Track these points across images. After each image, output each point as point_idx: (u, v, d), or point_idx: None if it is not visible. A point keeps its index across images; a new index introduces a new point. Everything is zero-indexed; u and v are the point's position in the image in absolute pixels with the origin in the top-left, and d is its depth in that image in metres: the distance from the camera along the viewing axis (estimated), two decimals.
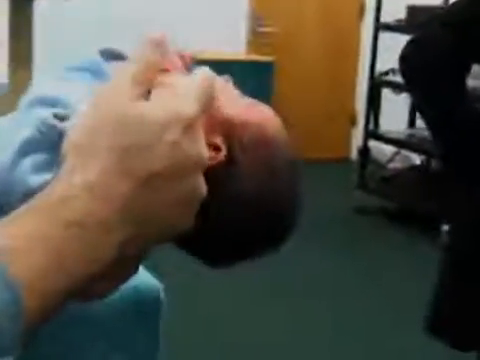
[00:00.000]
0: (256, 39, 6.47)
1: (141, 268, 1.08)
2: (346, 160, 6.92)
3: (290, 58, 6.57)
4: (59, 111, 0.67)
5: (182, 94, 0.58)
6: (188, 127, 0.55)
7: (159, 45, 0.60)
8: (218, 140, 0.68)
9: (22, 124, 0.67)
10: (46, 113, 0.66)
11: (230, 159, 0.69)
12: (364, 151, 5.56)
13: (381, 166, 5.84)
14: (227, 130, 0.70)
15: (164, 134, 0.54)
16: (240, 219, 0.70)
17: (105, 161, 0.54)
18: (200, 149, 0.57)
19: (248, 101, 0.75)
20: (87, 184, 0.53)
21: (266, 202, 0.71)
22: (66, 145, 0.56)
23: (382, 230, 5.02)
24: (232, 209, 0.69)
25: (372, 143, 5.63)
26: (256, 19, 6.43)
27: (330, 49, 6.82)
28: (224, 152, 0.68)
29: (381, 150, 6.04)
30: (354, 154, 6.80)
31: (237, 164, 0.69)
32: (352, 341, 3.39)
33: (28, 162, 0.65)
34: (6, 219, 0.52)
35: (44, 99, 0.70)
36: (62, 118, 0.67)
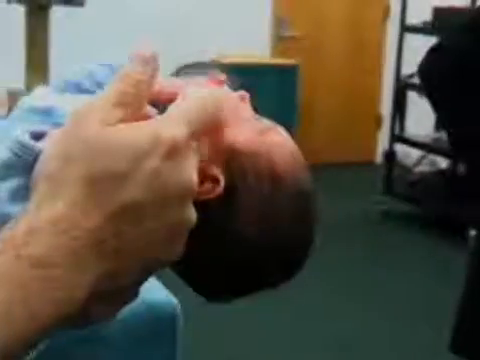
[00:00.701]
0: (280, 43, 6.44)
1: (156, 283, 1.06)
2: (372, 164, 6.86)
3: (315, 61, 6.53)
4: (36, 128, 0.63)
5: (169, 116, 0.52)
6: (171, 152, 0.50)
7: (149, 62, 0.54)
8: (217, 171, 0.63)
9: (8, 132, 0.63)
10: (21, 131, 0.62)
11: (230, 191, 0.63)
12: (390, 155, 5.51)
13: (407, 170, 5.78)
14: (230, 159, 0.64)
15: (142, 161, 0.49)
16: (237, 255, 0.65)
17: (73, 192, 0.49)
18: (187, 176, 0.51)
19: (261, 125, 0.68)
20: (53, 218, 0.48)
21: (267, 240, 0.65)
22: (37, 172, 0.52)
23: (408, 235, 4.96)
24: (229, 244, 0.64)
25: (398, 147, 5.58)
26: (280, 23, 6.41)
27: (355, 52, 6.77)
28: (222, 184, 0.63)
29: (407, 154, 5.97)
30: (380, 158, 6.75)
31: (238, 197, 0.64)
32: (380, 346, 3.34)
33: (4, 188, 0.61)
34: None
35: (36, 108, 0.66)
36: (39, 136, 0.62)
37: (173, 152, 0.50)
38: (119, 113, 0.51)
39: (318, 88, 6.61)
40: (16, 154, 0.61)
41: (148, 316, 1.02)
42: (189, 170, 0.51)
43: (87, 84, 0.74)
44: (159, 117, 0.52)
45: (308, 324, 3.56)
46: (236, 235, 0.64)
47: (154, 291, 1.05)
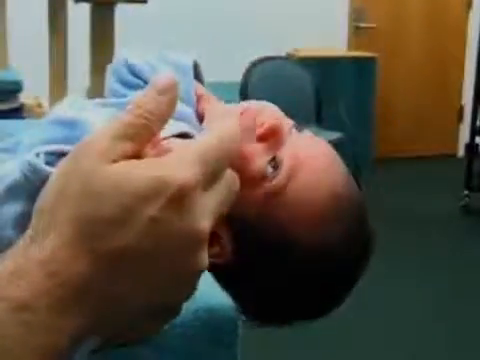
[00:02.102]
0: (358, 34, 6.34)
1: (215, 286, 1.04)
2: (453, 157, 6.71)
3: (393, 53, 6.41)
4: (54, 148, 0.58)
5: (182, 153, 0.47)
6: (178, 198, 0.45)
7: (165, 91, 0.48)
8: (222, 232, 0.58)
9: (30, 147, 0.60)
10: (34, 153, 0.57)
11: (238, 255, 0.59)
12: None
13: None
14: (235, 220, 0.57)
15: (140, 208, 0.45)
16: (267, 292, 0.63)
17: (63, 232, 0.45)
18: (196, 223, 0.46)
19: (280, 175, 0.59)
20: (41, 259, 0.45)
21: (295, 286, 0.63)
22: (36, 206, 0.49)
23: None
24: (254, 278, 0.62)
25: None
26: (358, 14, 6.31)
27: (436, 43, 6.61)
28: (229, 250, 0.59)
29: None
30: (462, 151, 6.59)
31: (248, 262, 0.60)
32: (453, 351, 3.26)
33: (9, 212, 0.58)
34: None
35: (60, 120, 0.62)
36: (59, 155, 0.57)
37: (181, 197, 0.46)
38: (123, 147, 0.47)
39: (397, 80, 6.49)
40: (25, 175, 0.57)
41: (208, 320, 1.01)
42: (200, 216, 0.47)
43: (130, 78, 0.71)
44: (171, 155, 0.48)
45: (371, 322, 3.50)
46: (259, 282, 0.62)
47: (215, 295, 1.04)
